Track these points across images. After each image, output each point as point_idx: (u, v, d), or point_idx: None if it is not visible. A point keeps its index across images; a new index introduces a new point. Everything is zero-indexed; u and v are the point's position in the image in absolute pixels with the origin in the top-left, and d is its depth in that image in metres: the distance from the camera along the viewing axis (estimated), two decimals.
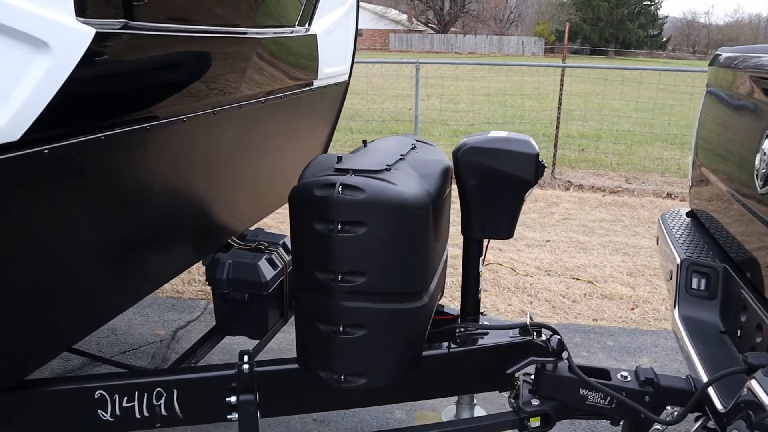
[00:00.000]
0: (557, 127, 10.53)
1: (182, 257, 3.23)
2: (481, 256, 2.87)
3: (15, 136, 1.78)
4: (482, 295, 6.33)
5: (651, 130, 14.84)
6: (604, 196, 9.93)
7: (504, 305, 5.92)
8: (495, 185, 2.66)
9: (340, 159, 2.63)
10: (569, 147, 13.31)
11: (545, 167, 2.68)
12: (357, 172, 2.39)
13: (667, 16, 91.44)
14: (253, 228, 3.80)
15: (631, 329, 5.48)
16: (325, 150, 5.06)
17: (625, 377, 2.81)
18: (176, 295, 5.96)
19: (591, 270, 6.83)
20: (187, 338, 5.04)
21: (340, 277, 2.31)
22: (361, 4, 4.66)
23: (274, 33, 3.18)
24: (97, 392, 2.53)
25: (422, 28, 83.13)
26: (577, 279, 6.57)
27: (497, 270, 6.77)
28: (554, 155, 10.65)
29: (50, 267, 2.16)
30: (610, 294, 6.21)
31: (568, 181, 10.38)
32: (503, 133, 2.71)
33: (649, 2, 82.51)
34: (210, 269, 3.26)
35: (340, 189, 2.25)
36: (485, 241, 2.87)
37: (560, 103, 10.25)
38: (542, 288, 6.32)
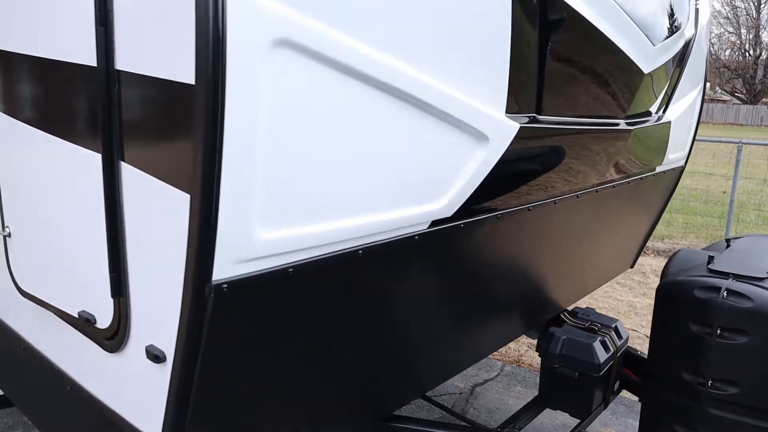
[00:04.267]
0: None
1: (515, 327, 3.42)
2: None
3: (449, 212, 2.10)
4: None
5: None
6: None
7: None
8: None
9: (711, 259, 2.57)
10: None
11: None
12: (739, 277, 2.32)
13: None
14: (575, 306, 3.85)
15: None
16: (650, 233, 4.94)
17: None
18: None
19: None
20: (483, 395, 5.24)
21: (710, 383, 2.25)
22: None
23: (642, 123, 3.25)
24: None
25: (726, 97, 75.94)
26: None
27: None
28: None
29: (415, 324, 2.47)
30: None
31: None
32: None
33: None
34: (543, 341, 3.38)
35: (725, 294, 2.20)
36: None
37: None
38: None
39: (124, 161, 1.61)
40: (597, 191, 3.24)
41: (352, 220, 1.74)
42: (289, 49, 1.42)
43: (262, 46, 1.36)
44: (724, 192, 10.17)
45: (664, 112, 3.76)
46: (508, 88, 2.14)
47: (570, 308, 3.78)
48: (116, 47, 1.56)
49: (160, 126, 1.50)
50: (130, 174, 1.60)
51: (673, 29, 3.22)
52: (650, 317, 6.94)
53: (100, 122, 1.62)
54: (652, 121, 3.49)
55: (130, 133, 1.59)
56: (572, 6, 2.27)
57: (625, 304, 7.31)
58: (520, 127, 2.22)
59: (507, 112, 2.19)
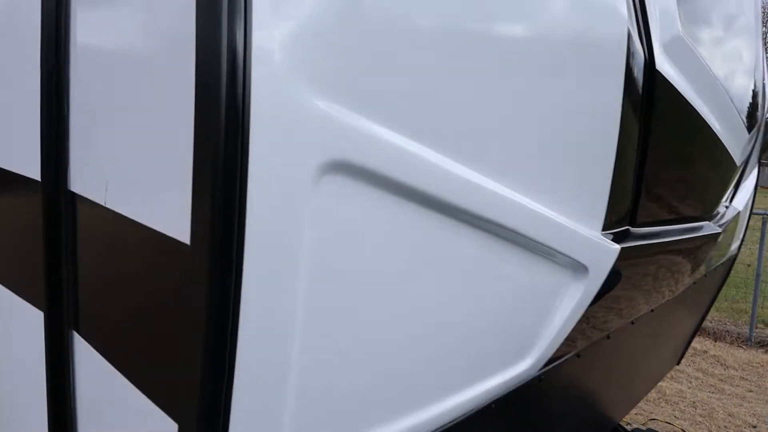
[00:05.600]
0: None
1: None
2: None
3: (534, 371, 1.54)
4: None
5: None
6: None
7: None
8: None
9: None
10: None
11: None
12: None
13: None
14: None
15: None
16: (699, 327, 4.41)
17: None
18: None
19: None
20: None
21: None
22: None
23: (727, 220, 2.73)
24: None
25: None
26: None
27: None
28: None
29: None
30: None
31: None
32: None
33: None
34: None
35: None
36: None
37: None
38: None
39: (77, 332, 1.04)
40: (669, 300, 2.70)
41: (416, 416, 1.17)
42: (343, 174, 0.87)
43: (307, 175, 0.81)
44: (749, 265, 9.64)
45: (731, 201, 3.26)
46: (609, 202, 1.61)
47: (629, 427, 3.21)
48: (71, 156, 1.01)
49: (128, 295, 0.94)
50: (84, 351, 1.03)
51: (758, 113, 2.74)
52: (682, 405, 6.33)
53: (43, 265, 1.05)
54: (730, 215, 2.98)
55: (85, 290, 1.02)
56: (683, 94, 1.76)
57: (653, 390, 6.69)
58: (621, 249, 1.67)
59: (603, 229, 1.65)
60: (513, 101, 1.18)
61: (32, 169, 1.07)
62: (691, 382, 6.96)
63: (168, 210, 0.79)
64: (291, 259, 0.80)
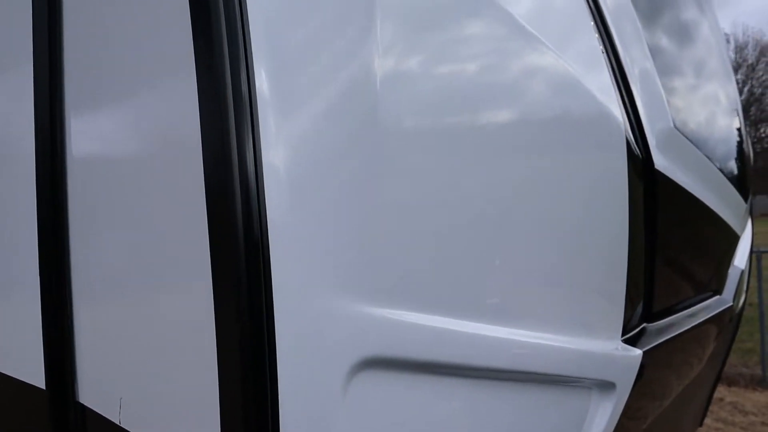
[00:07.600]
0: None
1: None
2: None
3: None
4: None
5: None
6: None
7: None
8: None
9: None
10: None
11: None
12: None
13: None
14: None
15: None
16: (716, 386, 4.31)
17: None
18: None
19: None
20: None
21: None
22: None
23: (740, 289, 2.71)
24: None
25: None
26: None
27: None
28: None
29: None
30: None
31: None
32: None
33: None
34: None
35: None
36: None
37: None
38: None
39: None
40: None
41: None
42: (375, 368, 0.83)
43: (338, 386, 0.76)
44: (750, 304, 9.58)
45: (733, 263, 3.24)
46: (625, 308, 1.57)
47: None
48: (78, 360, 0.96)
49: None
50: None
51: (749, 177, 2.76)
52: None
53: None
54: (735, 276, 2.95)
55: None
56: (683, 186, 1.76)
57: None
58: (644, 353, 1.63)
59: (622, 335, 1.61)
60: (529, 244, 1.15)
61: (34, 375, 1.01)
62: None
63: None
64: None
